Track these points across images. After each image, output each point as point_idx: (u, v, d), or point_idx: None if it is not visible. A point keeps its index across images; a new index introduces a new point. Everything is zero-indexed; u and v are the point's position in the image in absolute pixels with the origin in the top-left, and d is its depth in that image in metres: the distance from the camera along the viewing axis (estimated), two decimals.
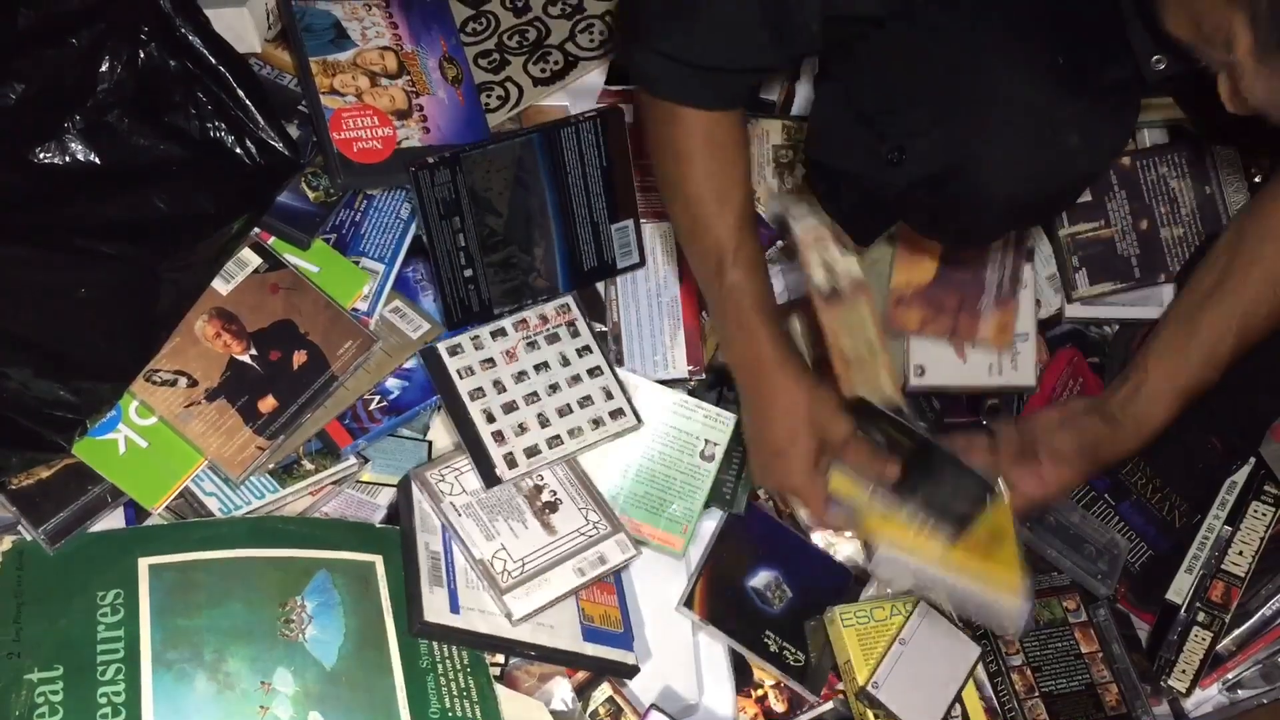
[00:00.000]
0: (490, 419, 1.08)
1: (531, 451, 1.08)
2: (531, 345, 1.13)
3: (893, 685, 1.09)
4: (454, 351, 1.10)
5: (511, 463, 1.07)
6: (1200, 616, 1.16)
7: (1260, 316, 1.02)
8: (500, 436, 1.08)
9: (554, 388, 1.12)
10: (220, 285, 1.05)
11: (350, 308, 1.09)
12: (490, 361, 1.11)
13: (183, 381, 1.01)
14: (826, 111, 1.05)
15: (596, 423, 1.12)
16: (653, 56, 0.96)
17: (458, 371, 1.09)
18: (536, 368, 1.12)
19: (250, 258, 1.06)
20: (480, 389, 1.09)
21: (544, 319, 1.14)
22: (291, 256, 1.09)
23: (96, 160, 0.98)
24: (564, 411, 1.11)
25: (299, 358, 1.05)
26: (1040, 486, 1.03)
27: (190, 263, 1.01)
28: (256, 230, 1.08)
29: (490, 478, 1.06)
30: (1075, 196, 1.05)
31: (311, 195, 1.11)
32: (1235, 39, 0.67)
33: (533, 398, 1.11)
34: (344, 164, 1.10)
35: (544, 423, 1.10)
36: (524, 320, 1.13)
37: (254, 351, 1.04)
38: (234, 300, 1.05)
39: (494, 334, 1.12)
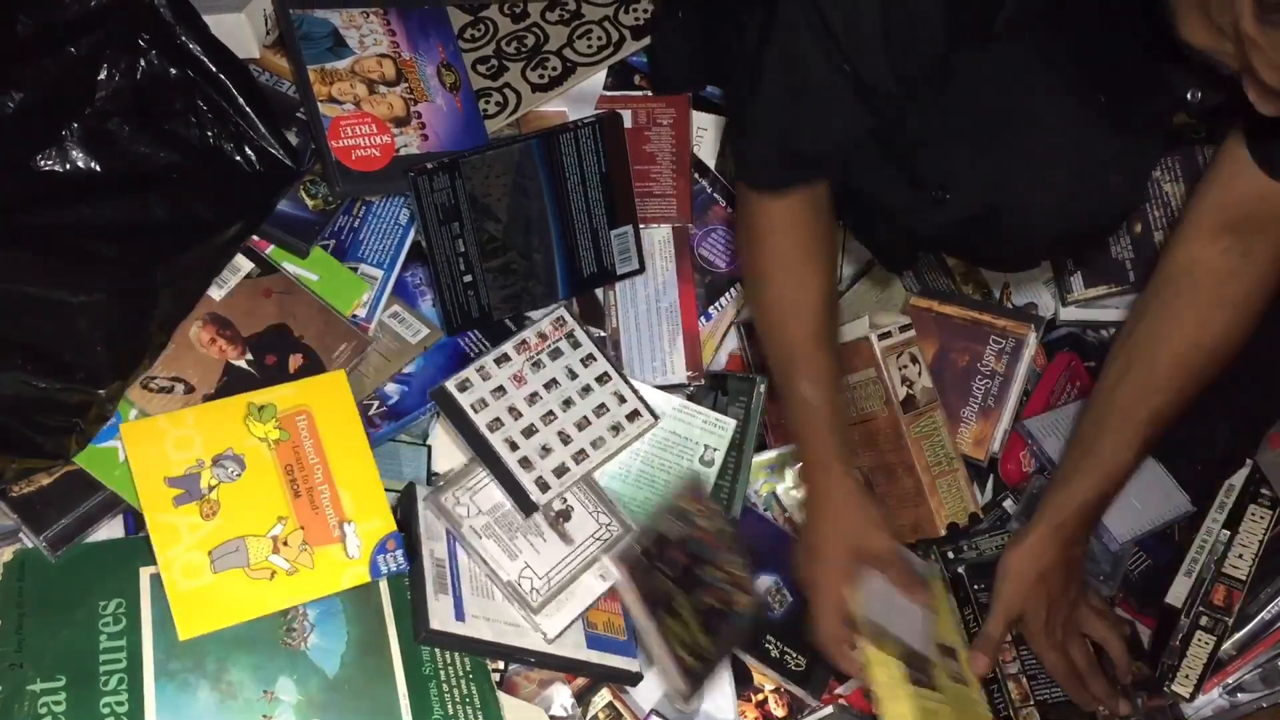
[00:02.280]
0: (514, 447, 1.07)
1: (560, 471, 1.08)
2: (536, 365, 1.12)
3: None
4: (463, 387, 1.08)
5: (544, 486, 1.06)
6: (1203, 620, 1.16)
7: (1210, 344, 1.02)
8: (527, 463, 1.07)
9: (568, 403, 1.11)
10: (214, 291, 1.04)
11: (350, 314, 1.09)
12: (501, 390, 1.09)
13: (179, 388, 1.01)
14: (865, 154, 1.05)
15: (616, 429, 1.11)
16: (756, 145, 1.00)
17: (471, 406, 1.07)
18: (546, 386, 1.11)
19: (242, 263, 1.06)
20: (498, 419, 1.08)
21: (543, 336, 1.13)
22: (291, 265, 1.09)
23: (96, 167, 0.98)
24: (582, 425, 1.11)
25: (295, 361, 1.05)
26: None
27: (188, 269, 1.01)
28: (254, 238, 1.07)
29: (527, 505, 1.05)
30: (1116, 230, 1.06)
31: (310, 203, 1.11)
32: (1241, 14, 0.66)
33: (549, 417, 1.10)
34: (342, 171, 1.10)
35: (565, 440, 1.09)
36: (524, 342, 1.12)
37: (249, 356, 1.04)
38: (228, 306, 1.05)
39: (498, 360, 1.10)
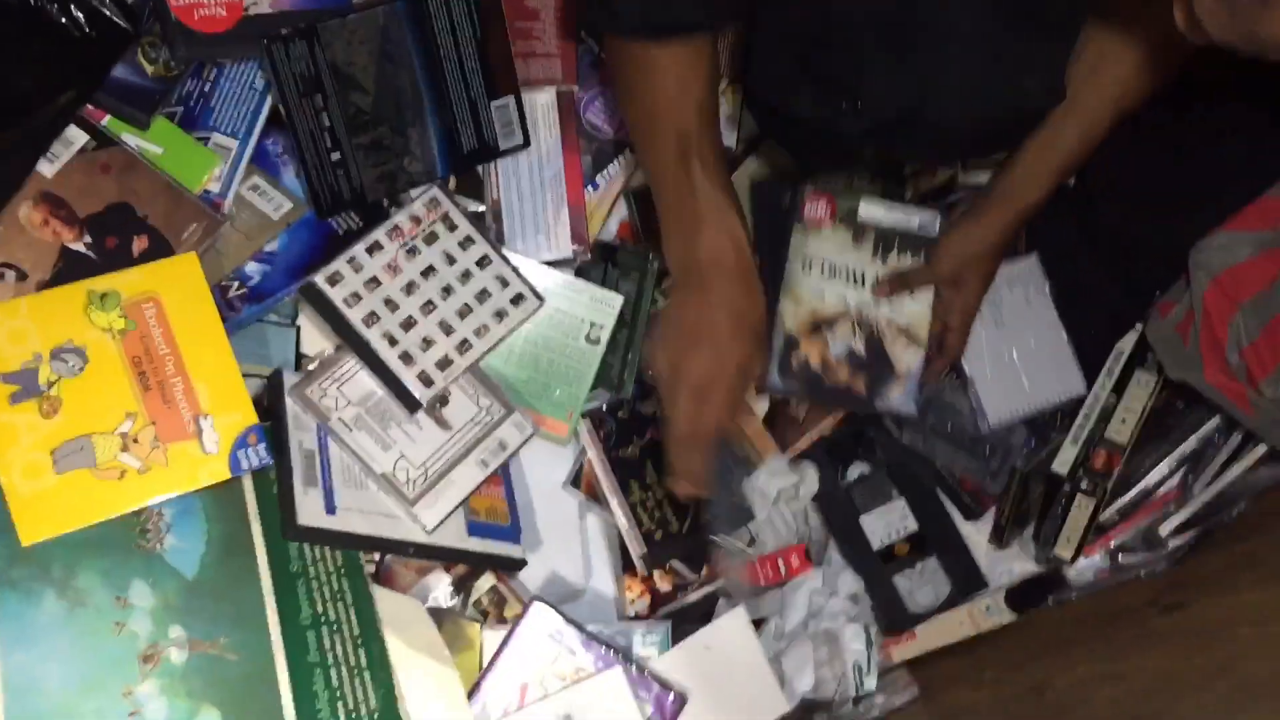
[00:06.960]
0: (393, 342, 1.01)
1: (444, 364, 1.03)
2: (412, 252, 1.05)
3: None
4: (334, 281, 1.01)
5: (427, 381, 1.01)
6: (1084, 484, 1.17)
7: (1137, 89, 0.99)
8: (409, 358, 1.01)
9: (447, 290, 1.05)
10: (45, 168, 0.96)
11: (201, 190, 1.01)
12: (374, 281, 1.03)
13: (11, 275, 0.93)
14: (767, 58, 1.01)
15: (500, 315, 1.07)
16: None
17: (344, 301, 1.01)
18: (424, 274, 1.05)
19: (76, 135, 0.97)
20: (374, 313, 1.02)
21: (416, 220, 1.06)
22: (131, 137, 1.00)
23: None
24: (464, 313, 1.05)
25: (139, 243, 0.98)
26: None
27: (11, 146, 0.92)
28: (88, 107, 0.98)
29: (411, 403, 1.00)
30: (1032, 128, 1.03)
31: (149, 69, 1.02)
32: None
33: (429, 307, 1.04)
34: (184, 34, 1.01)
35: (448, 330, 1.04)
36: (396, 227, 1.05)
37: (88, 239, 0.96)
38: (61, 183, 0.96)
39: (369, 249, 1.03)
